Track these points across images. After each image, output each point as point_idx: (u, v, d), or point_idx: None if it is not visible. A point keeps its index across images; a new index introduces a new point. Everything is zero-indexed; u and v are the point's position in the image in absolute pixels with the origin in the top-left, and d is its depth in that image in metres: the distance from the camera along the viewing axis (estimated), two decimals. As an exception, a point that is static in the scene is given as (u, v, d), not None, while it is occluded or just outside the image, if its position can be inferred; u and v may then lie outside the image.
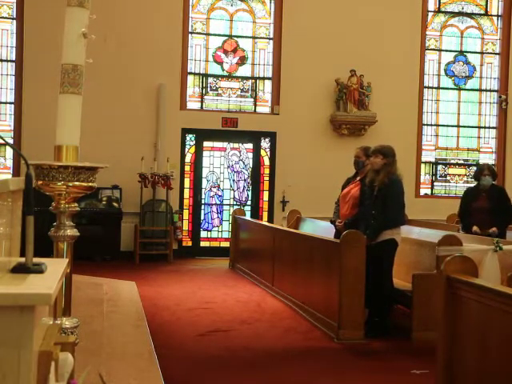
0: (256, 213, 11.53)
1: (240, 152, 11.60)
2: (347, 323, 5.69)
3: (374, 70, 11.42)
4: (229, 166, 11.57)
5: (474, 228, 7.29)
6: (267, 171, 11.63)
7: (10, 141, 10.30)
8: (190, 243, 11.43)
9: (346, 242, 5.74)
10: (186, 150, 11.37)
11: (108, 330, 5.61)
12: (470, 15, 12.45)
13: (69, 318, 4.07)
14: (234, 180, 11.60)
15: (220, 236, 11.58)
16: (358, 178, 6.59)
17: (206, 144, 11.46)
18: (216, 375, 4.71)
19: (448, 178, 12.37)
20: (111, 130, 10.72)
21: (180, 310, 6.83)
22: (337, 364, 5.11)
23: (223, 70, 11.61)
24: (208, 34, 11.56)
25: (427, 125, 12.27)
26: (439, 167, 12.34)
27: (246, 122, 11.38)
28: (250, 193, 11.65)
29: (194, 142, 11.40)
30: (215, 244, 11.55)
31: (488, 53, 12.48)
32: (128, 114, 10.83)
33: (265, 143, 11.63)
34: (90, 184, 4.06)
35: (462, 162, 12.44)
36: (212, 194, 11.56)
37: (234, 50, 11.62)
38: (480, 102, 12.46)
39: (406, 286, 6.04)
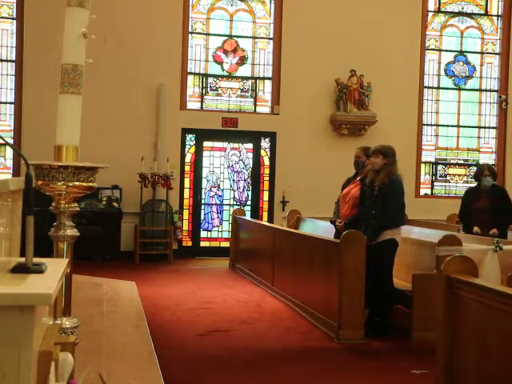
0: (256, 213, 11.53)
1: (240, 152, 11.60)
2: (347, 323, 5.69)
3: (374, 70, 11.42)
4: (229, 166, 11.57)
5: (475, 229, 7.27)
6: (267, 171, 11.62)
7: (10, 141, 10.29)
8: (189, 243, 11.43)
9: (346, 242, 5.74)
10: (186, 150, 11.37)
11: (108, 330, 5.61)
12: (470, 15, 12.45)
13: (69, 318, 4.07)
14: (233, 180, 11.60)
15: (220, 236, 11.57)
16: (358, 178, 6.59)
17: (205, 144, 11.46)
18: (216, 375, 4.71)
19: (448, 178, 12.37)
20: (111, 130, 10.72)
21: (180, 310, 6.83)
22: (337, 364, 5.11)
23: (223, 70, 11.60)
24: (208, 34, 11.55)
25: (427, 125, 12.27)
26: (439, 167, 12.34)
27: (246, 122, 11.38)
28: (249, 193, 11.65)
29: (194, 142, 11.40)
30: (215, 244, 11.54)
31: (488, 53, 12.47)
32: (128, 114, 10.83)
33: (265, 143, 11.62)
34: (90, 184, 4.06)
35: (462, 162, 12.43)
36: (212, 193, 11.55)
37: (234, 50, 11.61)
38: (480, 102, 12.46)
39: (406, 286, 6.04)
